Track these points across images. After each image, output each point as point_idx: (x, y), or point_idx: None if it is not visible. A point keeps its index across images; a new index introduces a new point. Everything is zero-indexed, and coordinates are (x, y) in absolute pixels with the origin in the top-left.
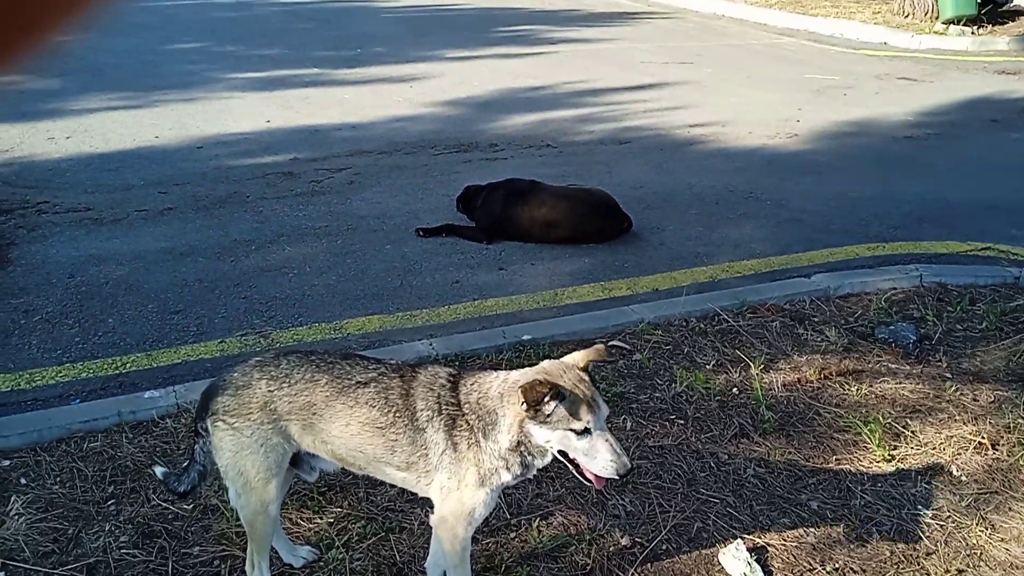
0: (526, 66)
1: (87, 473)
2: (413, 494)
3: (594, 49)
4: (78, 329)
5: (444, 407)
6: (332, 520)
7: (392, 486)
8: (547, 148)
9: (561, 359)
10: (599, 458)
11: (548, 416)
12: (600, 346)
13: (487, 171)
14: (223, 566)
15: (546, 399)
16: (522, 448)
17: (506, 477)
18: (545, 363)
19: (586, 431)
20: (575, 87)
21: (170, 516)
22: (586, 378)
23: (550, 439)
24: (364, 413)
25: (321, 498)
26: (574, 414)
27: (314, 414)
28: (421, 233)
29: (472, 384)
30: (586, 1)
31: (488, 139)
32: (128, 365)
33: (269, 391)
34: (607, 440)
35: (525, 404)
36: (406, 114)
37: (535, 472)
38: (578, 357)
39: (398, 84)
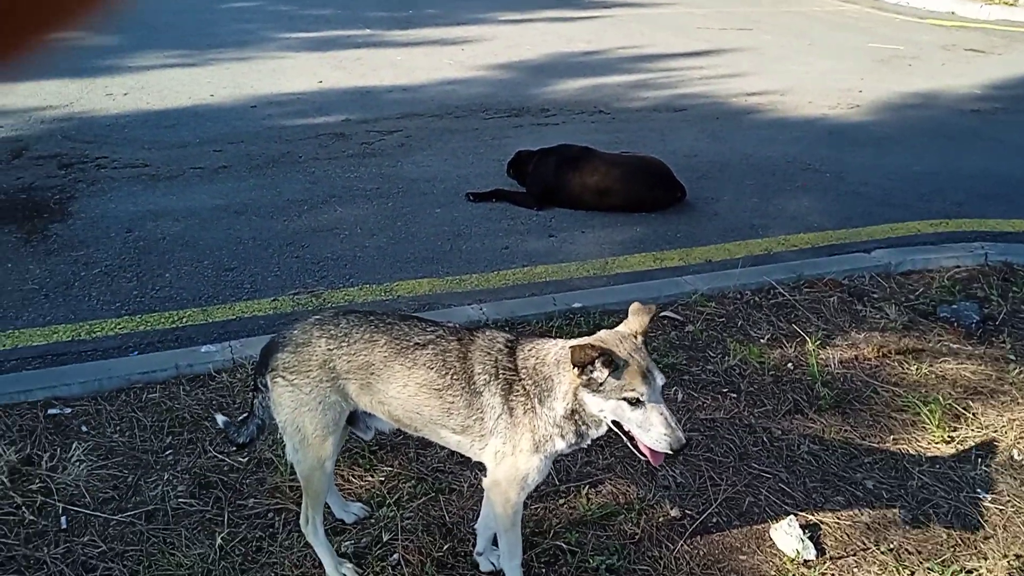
0: (579, 30)
1: (146, 423)
2: (463, 456)
3: (649, 13)
4: (136, 283)
5: (501, 371)
6: (383, 479)
7: (442, 447)
8: (599, 114)
9: (616, 328)
10: (652, 431)
11: (601, 385)
12: (637, 304)
13: (538, 136)
14: (277, 519)
15: (595, 362)
16: (577, 417)
17: (560, 445)
18: (602, 332)
19: (639, 402)
20: (629, 52)
21: (226, 468)
22: (642, 347)
23: (604, 408)
24: (422, 375)
25: (372, 456)
26: (628, 383)
27: (372, 374)
28: (471, 198)
29: (530, 350)
30: None
31: (540, 104)
32: (184, 320)
33: (328, 350)
34: (662, 413)
35: (573, 365)
36: (457, 77)
37: (590, 442)
38: (634, 325)
39: (450, 47)
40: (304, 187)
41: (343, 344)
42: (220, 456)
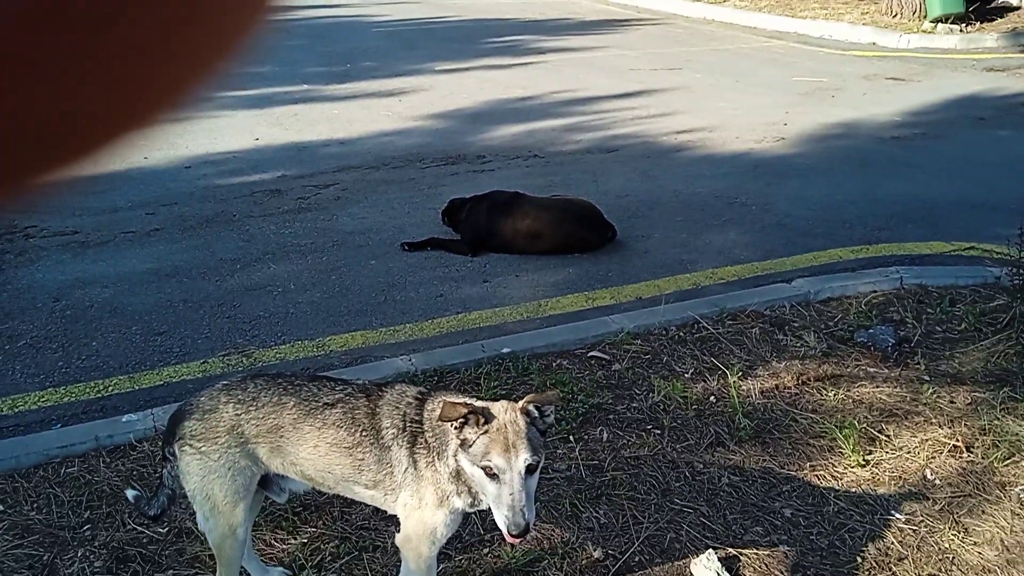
0: (515, 76)
1: (64, 499)
2: (389, 512)
3: (583, 58)
4: (62, 353)
5: (408, 424)
6: (306, 540)
7: (367, 504)
8: (534, 158)
9: (517, 402)
10: (499, 509)
11: (470, 447)
12: (552, 393)
13: (474, 183)
14: None
15: (466, 419)
16: (464, 477)
17: (458, 503)
18: (501, 401)
19: (496, 476)
20: (563, 96)
21: (145, 540)
22: (521, 424)
23: (473, 474)
24: (332, 434)
25: (296, 518)
26: (488, 453)
27: (282, 436)
28: (406, 247)
29: (438, 403)
30: (575, 10)
31: (476, 151)
32: (110, 388)
33: (236, 415)
34: (511, 493)
35: (440, 420)
36: (394, 128)
37: (486, 506)
38: (525, 399)
39: (387, 98)
40: (238, 246)
41: (251, 408)
42: (139, 528)
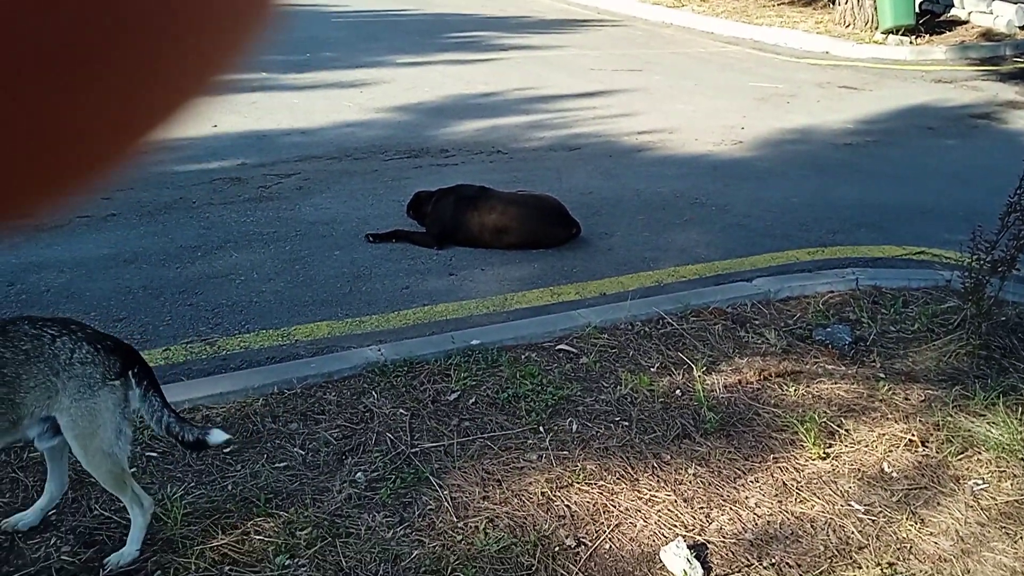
0: (477, 72)
1: None
2: (359, 501)
3: (545, 56)
4: None
5: None
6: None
7: (339, 491)
8: (498, 154)
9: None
10: None
11: None
12: None
13: (438, 177)
14: None
15: None
16: None
17: None
18: None
19: None
20: (526, 93)
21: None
22: None
23: None
24: None
25: (268, 504)
26: None
27: None
28: (371, 239)
29: None
30: (537, 8)
31: (439, 145)
32: None
33: None
34: None
35: None
36: (356, 119)
37: None
38: None
39: (348, 89)
40: (198, 233)
41: None
42: (106, 514)
